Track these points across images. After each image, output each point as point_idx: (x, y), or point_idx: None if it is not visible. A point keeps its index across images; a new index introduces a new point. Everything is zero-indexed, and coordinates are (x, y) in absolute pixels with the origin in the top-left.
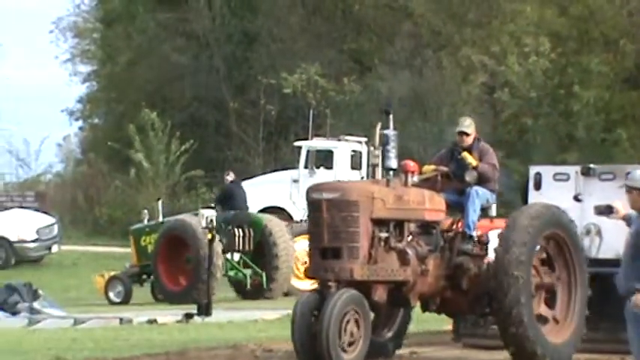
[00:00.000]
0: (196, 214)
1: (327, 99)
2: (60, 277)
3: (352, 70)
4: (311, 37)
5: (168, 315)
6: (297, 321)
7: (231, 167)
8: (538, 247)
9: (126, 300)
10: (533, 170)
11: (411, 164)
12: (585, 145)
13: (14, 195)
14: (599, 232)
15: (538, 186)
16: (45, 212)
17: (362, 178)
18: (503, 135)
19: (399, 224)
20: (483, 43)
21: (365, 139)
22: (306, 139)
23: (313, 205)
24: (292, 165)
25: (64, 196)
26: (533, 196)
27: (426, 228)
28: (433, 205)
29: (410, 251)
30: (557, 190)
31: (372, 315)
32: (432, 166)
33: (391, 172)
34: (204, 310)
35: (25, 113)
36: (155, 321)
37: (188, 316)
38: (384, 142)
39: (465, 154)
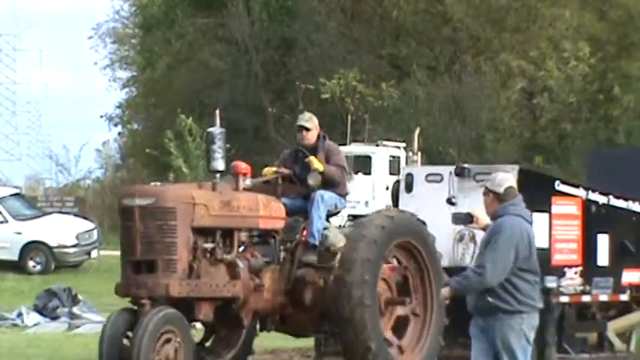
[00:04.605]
0: None
1: (365, 104)
2: (99, 282)
3: (390, 75)
4: (349, 42)
5: None
6: (105, 343)
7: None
8: (390, 258)
9: None
10: (404, 171)
11: (242, 165)
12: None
13: (54, 200)
14: (473, 239)
15: (409, 188)
16: (84, 217)
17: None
18: (542, 140)
19: (228, 233)
20: (522, 48)
21: (403, 144)
22: (345, 144)
23: (124, 213)
24: None
25: (103, 202)
26: (405, 199)
27: (264, 237)
28: (269, 212)
29: (241, 264)
30: (430, 192)
31: (195, 335)
32: (273, 168)
33: (217, 175)
34: None
35: (64, 119)
36: (193, 327)
37: None
38: (210, 140)
39: (312, 158)
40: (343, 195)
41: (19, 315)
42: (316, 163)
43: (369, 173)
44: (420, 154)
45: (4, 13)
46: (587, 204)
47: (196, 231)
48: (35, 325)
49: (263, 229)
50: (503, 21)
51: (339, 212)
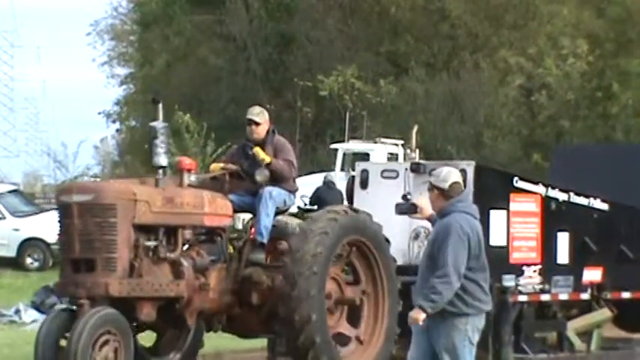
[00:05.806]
0: None
1: (363, 101)
2: None
3: (389, 72)
4: (347, 39)
5: None
6: (40, 345)
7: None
8: (339, 256)
9: None
10: (359, 167)
11: (187, 161)
12: None
13: (52, 197)
14: (428, 237)
15: (365, 184)
16: None
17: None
18: (540, 137)
19: (171, 231)
20: (520, 45)
21: (401, 142)
22: (343, 141)
23: (62, 210)
24: (329, 167)
25: None
26: (360, 196)
27: (210, 235)
28: (215, 209)
29: (185, 262)
30: (386, 188)
31: (133, 335)
32: (220, 164)
33: (161, 171)
34: None
35: (62, 115)
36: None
37: None
38: (153, 135)
39: (257, 149)
40: (292, 191)
41: (17, 312)
42: (262, 155)
43: None
44: (418, 151)
45: (1, 9)
46: (546, 201)
47: (138, 228)
48: (33, 321)
49: (209, 227)
50: (502, 18)
51: (288, 209)
